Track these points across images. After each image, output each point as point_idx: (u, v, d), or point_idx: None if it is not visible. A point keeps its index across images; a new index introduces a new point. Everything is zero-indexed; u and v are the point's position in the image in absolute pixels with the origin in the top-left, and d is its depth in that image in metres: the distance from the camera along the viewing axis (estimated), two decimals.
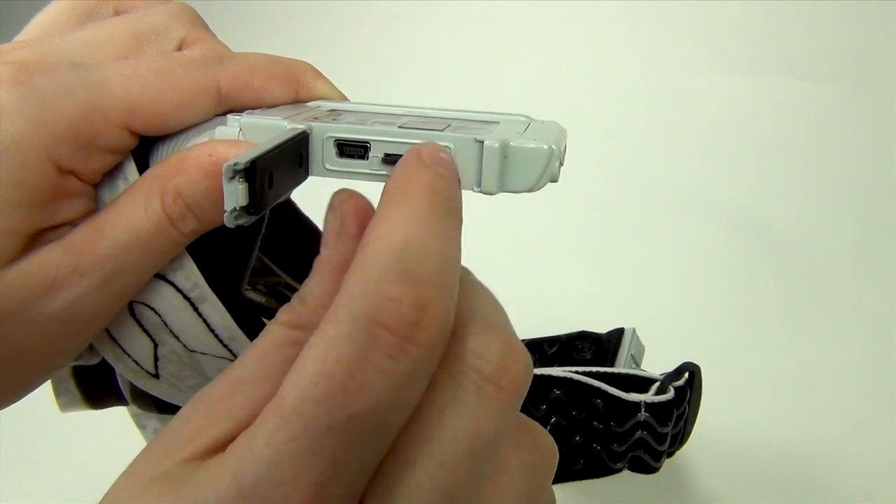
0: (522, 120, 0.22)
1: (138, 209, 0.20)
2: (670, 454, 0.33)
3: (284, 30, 0.90)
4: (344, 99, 0.23)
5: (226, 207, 0.17)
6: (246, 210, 0.17)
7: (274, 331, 0.17)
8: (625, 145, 0.67)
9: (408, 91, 0.73)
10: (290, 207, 0.33)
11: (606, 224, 0.58)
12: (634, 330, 0.36)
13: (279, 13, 0.93)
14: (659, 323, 0.40)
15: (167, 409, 0.28)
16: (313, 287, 0.18)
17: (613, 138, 0.67)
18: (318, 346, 0.15)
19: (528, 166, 0.19)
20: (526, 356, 0.16)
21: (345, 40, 0.86)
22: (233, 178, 0.17)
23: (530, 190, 0.20)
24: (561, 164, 0.20)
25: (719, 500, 0.38)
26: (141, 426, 0.32)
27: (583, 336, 0.37)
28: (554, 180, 0.20)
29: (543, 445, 0.18)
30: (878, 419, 0.41)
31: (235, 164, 0.16)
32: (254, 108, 0.21)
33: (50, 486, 0.39)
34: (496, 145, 0.19)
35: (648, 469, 0.32)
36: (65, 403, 0.27)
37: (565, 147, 0.21)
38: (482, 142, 0.19)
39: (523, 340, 0.38)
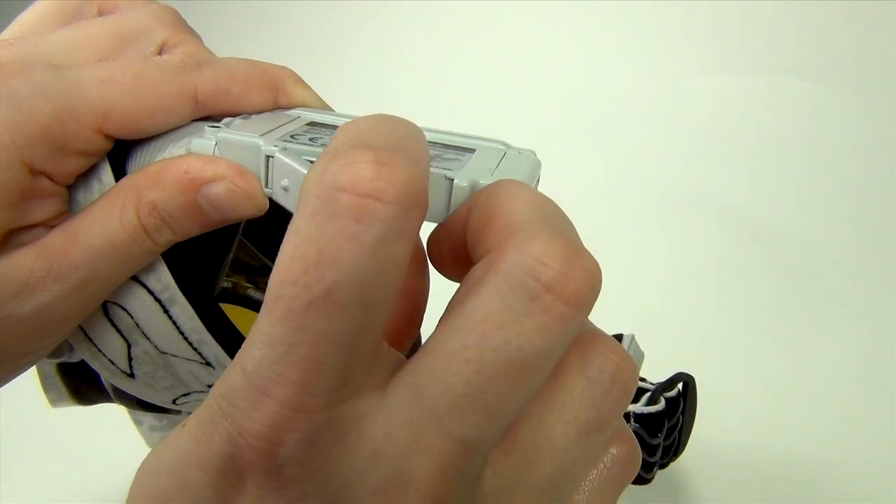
0: (499, 149, 0.22)
1: (113, 218, 0.20)
2: (664, 465, 0.32)
3: (272, 31, 0.91)
4: (325, 107, 0.23)
5: None
6: None
7: None
8: (624, 146, 0.66)
9: (406, 93, 0.73)
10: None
11: (606, 226, 0.57)
12: (633, 337, 0.35)
13: (265, 15, 0.93)
14: (658, 327, 0.40)
15: (150, 406, 0.28)
16: None
17: (612, 139, 0.66)
18: (290, 233, 0.14)
19: None
20: (596, 265, 0.15)
21: (338, 43, 0.86)
22: None
23: None
24: None
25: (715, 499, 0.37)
26: (137, 422, 0.33)
27: None
28: None
29: (614, 364, 0.16)
30: (880, 427, 0.40)
31: None
32: (232, 113, 0.21)
33: (48, 482, 0.39)
34: (465, 185, 0.19)
35: (639, 480, 0.31)
36: (54, 399, 0.28)
37: (538, 181, 0.21)
38: (452, 180, 0.19)
39: None
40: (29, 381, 0.30)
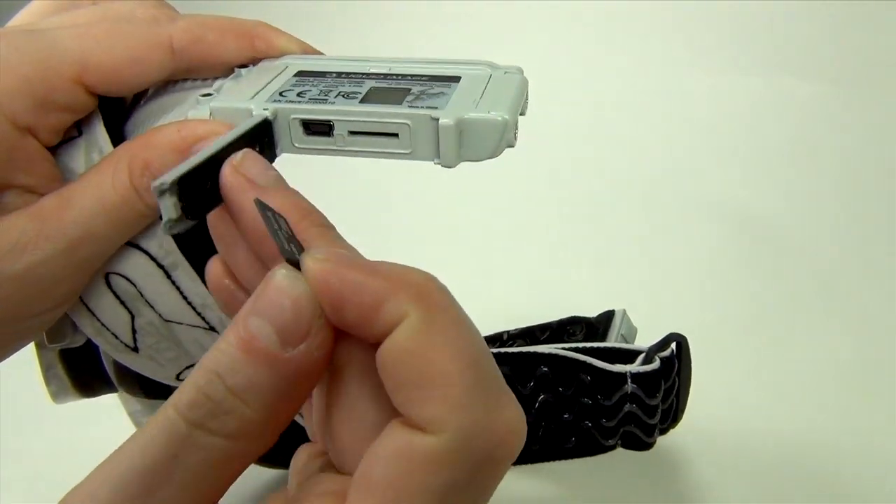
0: (485, 73, 0.22)
1: (105, 180, 0.20)
2: (663, 431, 0.32)
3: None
4: (307, 49, 0.24)
5: (162, 219, 0.18)
6: (179, 221, 0.18)
7: (174, 426, 0.15)
8: (624, 144, 0.66)
9: None
10: None
11: (606, 224, 0.58)
12: (625, 311, 0.36)
13: (263, 15, 0.94)
14: (657, 324, 0.40)
15: (153, 392, 0.28)
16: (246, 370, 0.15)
17: (612, 138, 0.67)
18: (429, 495, 0.14)
19: (485, 138, 0.20)
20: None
21: (335, 42, 0.87)
22: (162, 195, 0.17)
23: (489, 158, 0.20)
24: (517, 129, 0.20)
25: (714, 486, 0.38)
26: (138, 424, 0.33)
27: (574, 321, 0.37)
28: (510, 146, 0.20)
29: None
30: (872, 407, 0.41)
31: (161, 184, 0.17)
32: (211, 62, 0.22)
33: (46, 486, 0.39)
34: (451, 123, 0.19)
35: (642, 445, 0.32)
36: (56, 392, 0.28)
37: (526, 99, 0.22)
38: (437, 119, 0.19)
39: (517, 329, 0.38)
40: (27, 389, 0.30)
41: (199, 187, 0.18)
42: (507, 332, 0.38)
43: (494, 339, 0.38)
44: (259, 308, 0.15)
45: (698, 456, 0.40)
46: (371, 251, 0.17)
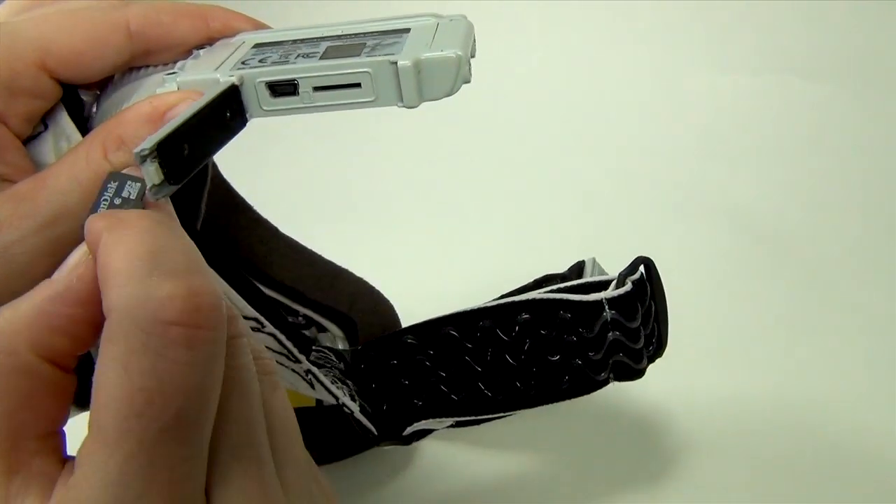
0: (431, 23, 0.24)
1: (79, 158, 0.21)
2: (651, 358, 0.33)
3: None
4: (260, 27, 0.26)
5: (147, 186, 0.19)
6: (163, 186, 0.19)
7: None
8: (626, 145, 0.67)
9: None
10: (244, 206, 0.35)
11: (609, 225, 0.58)
12: (594, 259, 0.38)
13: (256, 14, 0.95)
14: None
15: None
16: None
17: (615, 137, 0.68)
18: (114, 366, 0.16)
19: (442, 75, 0.21)
20: (203, 282, 0.17)
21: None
22: (144, 161, 0.19)
23: (448, 95, 0.22)
24: (470, 65, 0.22)
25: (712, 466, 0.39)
26: None
27: (547, 278, 0.38)
28: (467, 81, 0.22)
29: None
30: (870, 385, 0.42)
31: (141, 151, 0.18)
32: (168, 43, 0.24)
33: None
34: (409, 63, 0.21)
35: (633, 373, 0.32)
36: None
37: (474, 42, 0.24)
38: (395, 63, 0.21)
39: (494, 300, 0.39)
40: None
41: (178, 152, 0.20)
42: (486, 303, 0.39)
43: None
44: None
45: (698, 447, 0.41)
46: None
